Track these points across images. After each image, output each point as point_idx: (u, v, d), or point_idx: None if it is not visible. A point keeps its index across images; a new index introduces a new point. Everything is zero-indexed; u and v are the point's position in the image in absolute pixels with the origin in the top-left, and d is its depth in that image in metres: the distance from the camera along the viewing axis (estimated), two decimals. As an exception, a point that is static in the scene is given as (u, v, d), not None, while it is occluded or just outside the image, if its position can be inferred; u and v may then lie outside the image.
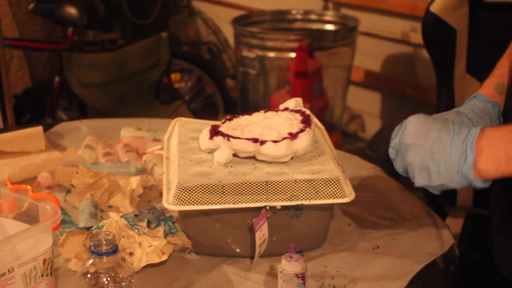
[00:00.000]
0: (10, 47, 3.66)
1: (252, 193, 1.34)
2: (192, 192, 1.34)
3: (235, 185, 1.34)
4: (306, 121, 1.48)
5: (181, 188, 1.34)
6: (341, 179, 1.37)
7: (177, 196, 1.33)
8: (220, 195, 1.34)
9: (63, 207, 1.61)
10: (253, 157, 1.43)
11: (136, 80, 3.67)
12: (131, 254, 1.37)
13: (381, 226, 1.57)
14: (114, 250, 1.18)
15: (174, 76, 4.14)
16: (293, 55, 3.62)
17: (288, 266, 1.26)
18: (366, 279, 1.36)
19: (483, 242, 1.61)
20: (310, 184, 1.35)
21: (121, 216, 1.42)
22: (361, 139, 4.20)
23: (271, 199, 1.35)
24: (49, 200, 1.26)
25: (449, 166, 1.16)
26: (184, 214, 1.41)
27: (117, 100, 3.61)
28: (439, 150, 1.16)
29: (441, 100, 2.15)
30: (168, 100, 3.85)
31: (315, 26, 4.10)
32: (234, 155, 1.43)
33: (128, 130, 2.02)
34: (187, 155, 1.46)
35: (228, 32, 4.45)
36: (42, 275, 1.22)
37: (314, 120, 1.55)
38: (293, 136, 1.42)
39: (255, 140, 1.41)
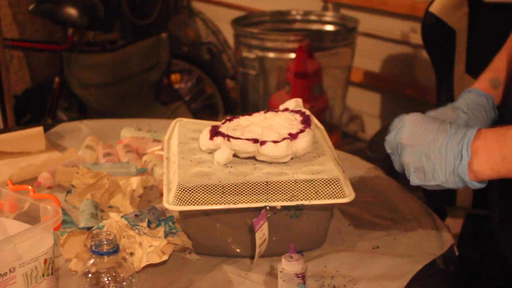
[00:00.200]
0: (10, 48, 3.66)
1: (252, 193, 1.35)
2: (192, 192, 1.34)
3: (235, 185, 1.34)
4: (306, 122, 1.49)
5: (181, 188, 1.34)
6: (341, 179, 1.37)
7: (177, 196, 1.34)
8: (220, 195, 1.34)
9: (64, 208, 1.61)
10: (253, 158, 1.43)
11: (136, 80, 3.67)
12: (131, 254, 1.37)
13: (381, 226, 1.57)
14: (115, 250, 1.18)
15: (174, 77, 4.14)
16: (293, 55, 3.62)
17: (288, 266, 1.26)
18: (366, 279, 1.37)
19: (483, 242, 1.61)
20: (310, 184, 1.35)
21: (122, 216, 1.43)
22: (360, 139, 4.21)
23: (271, 199, 1.35)
24: (50, 200, 1.26)
25: (444, 167, 1.17)
26: (185, 214, 1.41)
27: (117, 100, 3.62)
28: (435, 151, 1.17)
29: (440, 100, 2.15)
30: (168, 100, 3.85)
31: (314, 26, 4.11)
32: (234, 155, 1.44)
33: (128, 131, 2.03)
34: (187, 155, 1.46)
35: (228, 33, 4.45)
36: (43, 275, 1.22)
37: (314, 120, 1.55)
38: (293, 136, 1.43)
39: (255, 141, 1.42)
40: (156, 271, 1.39)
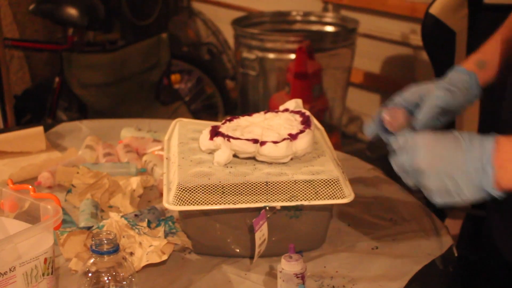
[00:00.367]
0: (11, 48, 3.67)
1: (252, 193, 1.35)
2: (192, 192, 1.34)
3: (235, 185, 1.35)
4: (306, 122, 1.49)
5: (181, 188, 1.34)
6: (340, 180, 1.37)
7: (177, 196, 1.34)
8: (220, 195, 1.34)
9: (64, 207, 1.61)
10: (253, 158, 1.44)
11: (136, 80, 3.68)
12: (131, 254, 1.38)
13: (380, 227, 1.57)
14: (115, 249, 1.18)
15: (174, 77, 4.15)
16: (293, 56, 3.63)
17: (288, 266, 1.27)
18: (365, 279, 1.37)
19: (482, 243, 1.61)
20: (309, 185, 1.36)
21: (122, 216, 1.43)
22: (360, 140, 4.21)
23: (271, 200, 1.35)
24: (50, 200, 1.27)
25: (470, 184, 1.14)
26: (184, 214, 1.41)
27: (117, 100, 3.62)
28: (457, 170, 1.14)
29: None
30: (168, 101, 3.86)
31: (315, 27, 4.11)
32: (234, 155, 1.44)
33: (128, 131, 2.03)
34: (187, 155, 1.46)
35: (228, 33, 4.46)
36: (43, 274, 1.22)
37: (314, 121, 1.56)
38: (293, 137, 1.43)
39: (255, 141, 1.42)
40: (156, 271, 1.39)
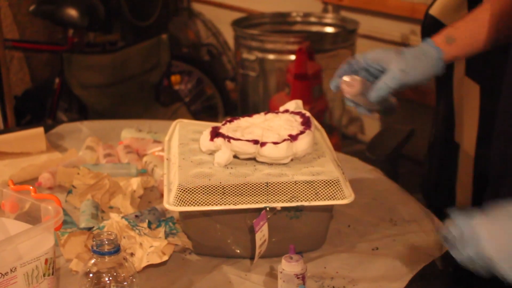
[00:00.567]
0: (11, 48, 3.67)
1: (252, 194, 1.35)
2: (192, 193, 1.34)
3: (235, 186, 1.35)
4: (306, 123, 1.49)
5: (182, 189, 1.34)
6: (340, 181, 1.38)
7: (178, 197, 1.34)
8: (220, 196, 1.35)
9: (64, 208, 1.61)
10: (254, 159, 1.44)
11: (136, 81, 3.68)
12: (132, 254, 1.38)
13: (380, 228, 1.58)
14: (116, 249, 1.18)
15: (174, 78, 4.15)
16: (293, 57, 3.63)
17: (288, 266, 1.27)
18: (365, 280, 1.37)
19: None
20: (310, 186, 1.36)
21: (122, 217, 1.43)
22: (360, 141, 4.21)
23: (271, 200, 1.36)
24: (51, 201, 1.27)
25: None
26: (185, 215, 1.42)
27: (117, 101, 3.62)
28: None
29: (440, 103, 2.15)
30: (168, 102, 3.86)
31: (314, 28, 4.11)
32: (235, 156, 1.44)
33: (128, 132, 2.03)
34: (187, 156, 1.47)
35: (228, 34, 4.46)
36: (44, 275, 1.22)
37: (314, 122, 1.56)
38: (293, 138, 1.43)
39: (256, 142, 1.42)
40: (156, 272, 1.40)
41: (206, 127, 1.53)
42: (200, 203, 1.34)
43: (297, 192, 1.36)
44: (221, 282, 1.37)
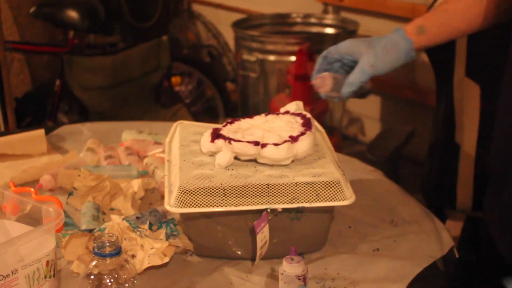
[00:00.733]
0: (11, 50, 3.67)
1: (253, 195, 1.35)
2: (193, 194, 1.34)
3: (236, 187, 1.35)
4: (307, 124, 1.49)
5: (183, 191, 1.34)
6: (341, 182, 1.38)
7: (179, 198, 1.34)
8: (221, 197, 1.35)
9: (65, 210, 1.61)
10: (254, 160, 1.44)
11: (136, 83, 3.68)
12: (133, 256, 1.38)
13: (381, 229, 1.58)
14: (118, 251, 1.18)
15: (175, 80, 4.15)
16: (293, 58, 3.63)
17: (289, 268, 1.27)
18: (366, 281, 1.37)
19: (482, 244, 1.62)
20: (310, 187, 1.36)
21: (123, 219, 1.43)
22: (361, 142, 4.21)
23: (272, 202, 1.36)
24: (52, 203, 1.27)
25: None
26: (186, 217, 1.42)
27: (118, 103, 3.62)
28: None
29: (440, 103, 2.15)
30: (168, 103, 3.86)
31: (315, 29, 4.11)
32: (236, 158, 1.44)
33: (129, 133, 2.03)
34: (188, 158, 1.47)
35: (228, 36, 4.46)
36: (45, 277, 1.22)
37: (315, 123, 1.56)
38: (294, 139, 1.43)
39: (256, 143, 1.42)
40: (157, 273, 1.40)
41: (207, 128, 1.54)
42: (201, 204, 1.35)
43: (298, 193, 1.36)
44: (222, 283, 1.38)
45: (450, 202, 2.13)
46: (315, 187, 1.36)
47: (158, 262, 1.36)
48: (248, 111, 3.93)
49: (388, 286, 1.36)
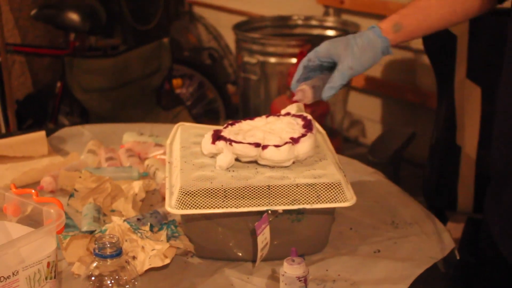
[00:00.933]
0: (12, 53, 3.67)
1: (254, 197, 1.35)
2: (194, 196, 1.34)
3: (237, 189, 1.35)
4: (308, 126, 1.49)
5: (183, 192, 1.35)
6: (342, 184, 1.38)
7: (180, 200, 1.34)
8: (222, 199, 1.35)
9: (66, 211, 1.61)
10: (255, 162, 1.44)
11: (137, 85, 3.68)
12: (134, 257, 1.38)
13: (382, 230, 1.58)
14: (118, 253, 1.19)
15: (176, 82, 4.15)
16: (294, 60, 3.63)
17: (290, 269, 1.27)
18: (367, 282, 1.37)
19: (482, 246, 1.62)
20: (311, 188, 1.36)
21: (124, 220, 1.43)
22: (362, 144, 4.21)
23: (273, 203, 1.36)
24: (53, 204, 1.27)
25: None
26: (187, 218, 1.42)
27: (119, 105, 3.62)
28: None
29: (441, 105, 2.15)
30: (169, 105, 3.85)
31: (316, 31, 4.11)
32: (236, 159, 1.44)
33: (130, 135, 2.04)
34: (189, 159, 1.47)
35: (229, 38, 4.46)
36: (46, 278, 1.22)
37: (316, 125, 1.56)
38: (295, 140, 1.43)
39: (257, 145, 1.42)
40: (158, 275, 1.40)
41: (208, 130, 1.54)
42: (202, 206, 1.35)
43: (299, 195, 1.36)
44: (223, 285, 1.38)
45: (451, 203, 2.13)
46: (316, 189, 1.36)
47: (159, 263, 1.36)
48: (249, 113, 3.93)
49: (389, 288, 1.36)
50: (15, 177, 1.79)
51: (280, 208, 1.36)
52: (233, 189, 1.35)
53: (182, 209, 1.35)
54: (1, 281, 1.15)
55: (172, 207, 1.35)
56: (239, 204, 1.35)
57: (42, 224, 1.27)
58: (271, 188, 1.35)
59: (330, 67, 1.50)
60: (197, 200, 1.34)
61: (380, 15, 3.88)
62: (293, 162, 1.44)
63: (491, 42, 1.98)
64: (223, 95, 4.21)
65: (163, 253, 1.37)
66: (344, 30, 3.93)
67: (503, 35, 1.47)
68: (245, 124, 1.53)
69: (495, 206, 1.48)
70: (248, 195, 1.35)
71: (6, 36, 3.34)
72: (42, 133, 2.02)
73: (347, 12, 4.14)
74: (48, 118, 3.60)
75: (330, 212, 1.44)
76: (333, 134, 3.75)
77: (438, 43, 2.11)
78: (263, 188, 1.35)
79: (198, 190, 1.34)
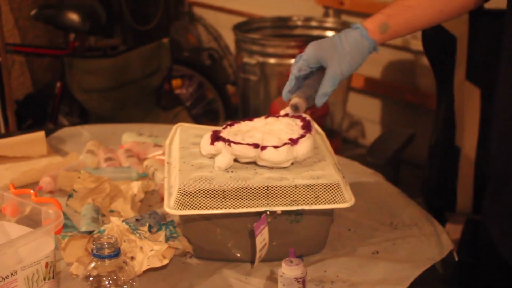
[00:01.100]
0: (12, 53, 3.67)
1: (252, 198, 1.35)
2: (193, 197, 1.34)
3: (236, 190, 1.35)
4: (307, 127, 1.49)
5: (182, 193, 1.35)
6: (341, 185, 1.38)
7: (178, 200, 1.34)
8: (221, 200, 1.35)
9: (65, 212, 1.61)
10: (254, 162, 1.44)
11: (137, 86, 3.68)
12: (132, 258, 1.38)
13: (381, 231, 1.58)
14: (116, 253, 1.19)
15: (175, 82, 4.15)
16: (293, 61, 3.63)
17: (288, 270, 1.27)
18: (365, 284, 1.37)
19: (482, 247, 1.62)
20: (310, 189, 1.36)
21: (123, 221, 1.43)
22: (361, 145, 4.21)
23: (272, 204, 1.36)
24: (52, 204, 1.27)
25: None
26: (185, 219, 1.42)
27: (118, 105, 3.62)
28: None
29: (441, 106, 2.16)
30: (169, 106, 3.86)
31: (315, 32, 4.11)
32: (235, 160, 1.44)
33: (129, 136, 2.04)
34: (188, 160, 1.47)
35: (229, 38, 4.46)
36: (44, 279, 1.22)
37: (315, 126, 1.56)
38: (293, 141, 1.43)
39: (256, 146, 1.42)
40: (156, 275, 1.40)
41: (207, 131, 1.54)
42: (200, 206, 1.35)
43: (297, 196, 1.36)
44: (222, 286, 1.38)
45: (450, 204, 2.13)
46: (314, 190, 1.36)
47: (158, 264, 1.36)
48: (249, 114, 3.93)
49: (387, 289, 1.36)
50: (14, 177, 1.79)
51: (278, 209, 1.36)
52: (231, 189, 1.35)
53: (180, 209, 1.35)
54: (-1, 281, 1.15)
55: (171, 207, 1.35)
56: (238, 205, 1.35)
57: (40, 225, 1.27)
58: (270, 189, 1.35)
59: (318, 67, 1.50)
60: (195, 201, 1.34)
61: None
62: (292, 163, 1.44)
63: (491, 44, 1.98)
64: (222, 95, 4.21)
65: (162, 253, 1.37)
66: (344, 31, 3.92)
67: (502, 36, 1.47)
68: (244, 125, 1.53)
69: (494, 207, 1.48)
70: (246, 196, 1.35)
71: (6, 36, 3.34)
72: (41, 133, 2.02)
73: (346, 13, 4.14)
74: (48, 118, 3.60)
75: (329, 213, 1.44)
76: (332, 135, 3.75)
77: (438, 44, 2.12)
78: (261, 189, 1.35)
79: (197, 190, 1.34)
